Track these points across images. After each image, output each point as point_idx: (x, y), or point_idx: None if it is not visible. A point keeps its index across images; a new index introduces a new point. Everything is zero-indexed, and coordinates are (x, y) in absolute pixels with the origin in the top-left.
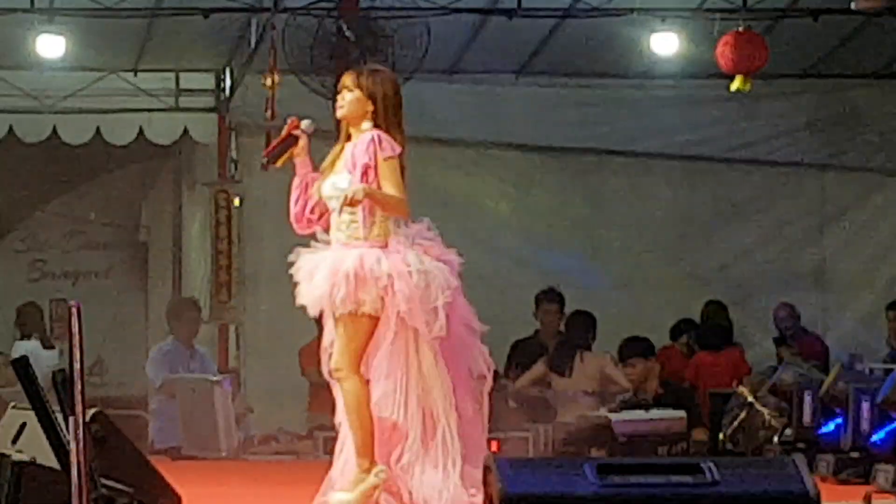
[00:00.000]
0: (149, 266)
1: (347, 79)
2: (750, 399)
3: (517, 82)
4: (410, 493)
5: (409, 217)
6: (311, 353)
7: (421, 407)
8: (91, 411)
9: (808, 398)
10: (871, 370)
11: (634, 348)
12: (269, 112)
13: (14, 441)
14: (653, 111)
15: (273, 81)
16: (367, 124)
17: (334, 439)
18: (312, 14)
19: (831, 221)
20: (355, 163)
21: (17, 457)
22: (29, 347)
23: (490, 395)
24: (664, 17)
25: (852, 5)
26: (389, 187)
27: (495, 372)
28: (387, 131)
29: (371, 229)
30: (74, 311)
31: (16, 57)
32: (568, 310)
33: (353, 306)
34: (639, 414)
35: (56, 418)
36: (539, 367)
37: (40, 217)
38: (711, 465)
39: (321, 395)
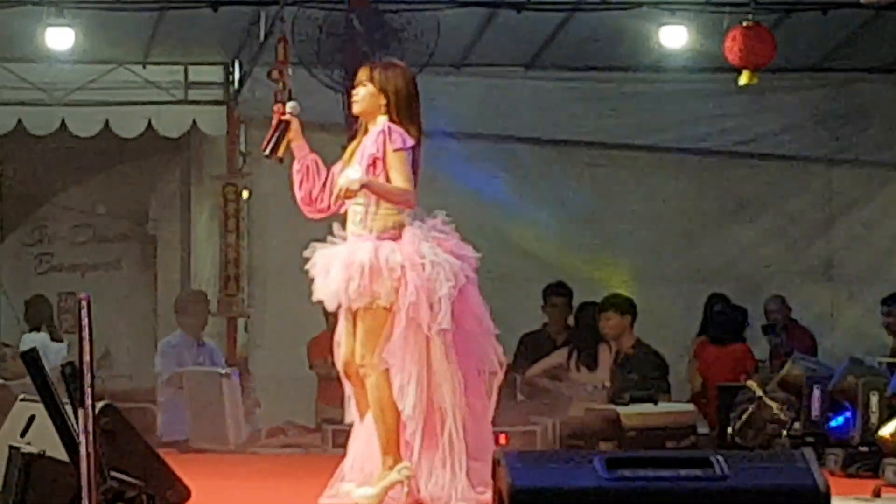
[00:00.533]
0: (157, 259)
1: (362, 73)
2: (758, 393)
3: (526, 76)
4: (419, 490)
5: (415, 207)
6: (319, 347)
7: (431, 402)
8: (100, 404)
9: (816, 392)
10: (880, 364)
11: (613, 303)
12: (278, 105)
13: (23, 433)
14: (661, 105)
15: (282, 73)
16: (382, 118)
17: (343, 432)
18: (322, 7)
19: (839, 216)
20: (364, 154)
21: (26, 449)
22: (37, 340)
23: (500, 389)
24: (673, 11)
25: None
26: (398, 179)
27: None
28: (400, 124)
29: (382, 221)
30: (84, 303)
31: (24, 49)
32: (577, 302)
33: (369, 299)
34: (647, 407)
35: (65, 411)
36: (554, 358)
37: (49, 210)
38: (720, 458)
39: (330, 388)
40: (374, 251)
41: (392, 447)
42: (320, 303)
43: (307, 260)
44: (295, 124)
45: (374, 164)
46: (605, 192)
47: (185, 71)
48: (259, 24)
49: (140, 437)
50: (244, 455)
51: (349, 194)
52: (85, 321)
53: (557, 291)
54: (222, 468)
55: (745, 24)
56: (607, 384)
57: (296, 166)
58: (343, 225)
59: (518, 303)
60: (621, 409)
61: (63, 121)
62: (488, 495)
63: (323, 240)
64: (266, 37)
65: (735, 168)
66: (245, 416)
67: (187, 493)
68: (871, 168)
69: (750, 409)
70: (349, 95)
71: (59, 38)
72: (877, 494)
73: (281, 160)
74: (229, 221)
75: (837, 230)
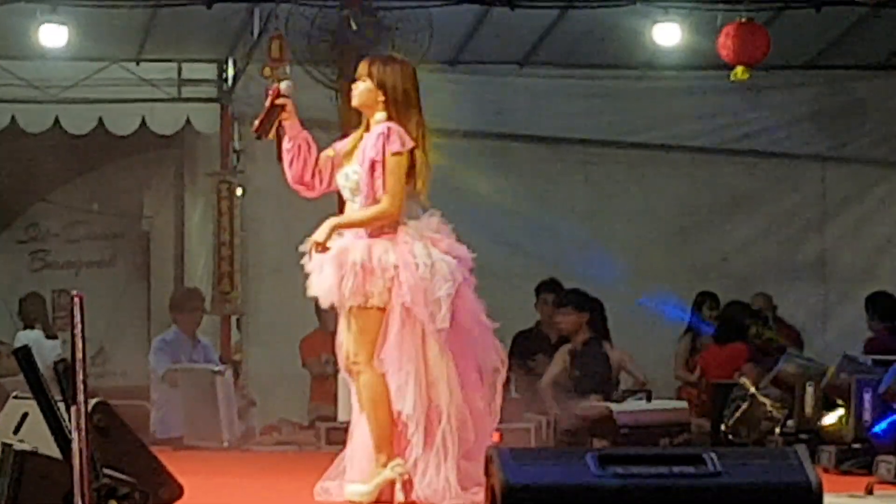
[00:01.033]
0: (151, 256)
1: (362, 67)
2: (752, 390)
3: (519, 73)
4: (413, 488)
5: (398, 219)
6: (312, 345)
7: (427, 401)
8: (93, 401)
9: (810, 389)
10: (873, 361)
11: (571, 298)
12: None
13: (16, 431)
14: (655, 102)
15: (273, 70)
16: (380, 115)
17: (336, 430)
18: (315, 4)
19: (833, 213)
20: (364, 156)
21: (19, 446)
22: (32, 337)
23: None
24: (667, 8)
25: None
26: (391, 184)
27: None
28: (398, 121)
29: None
30: (77, 301)
31: (18, 47)
32: None
33: (362, 299)
34: (641, 404)
35: (58, 408)
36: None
37: (42, 207)
38: (714, 455)
39: (323, 386)
40: (368, 250)
41: (385, 445)
42: (314, 299)
43: (301, 257)
44: (289, 105)
45: (373, 167)
46: (599, 189)
47: (179, 68)
48: (253, 22)
49: (133, 435)
50: (238, 452)
51: (320, 248)
52: (78, 318)
53: (549, 288)
54: (216, 466)
55: (738, 21)
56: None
57: (286, 144)
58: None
59: (512, 300)
60: (615, 407)
61: (57, 118)
62: (482, 496)
63: None
64: (260, 34)
65: (729, 165)
66: (239, 414)
67: (180, 491)
68: (864, 165)
69: (743, 407)
70: (342, 93)
71: (53, 35)
72: (870, 491)
73: (264, 138)
74: (223, 219)
75: (831, 228)
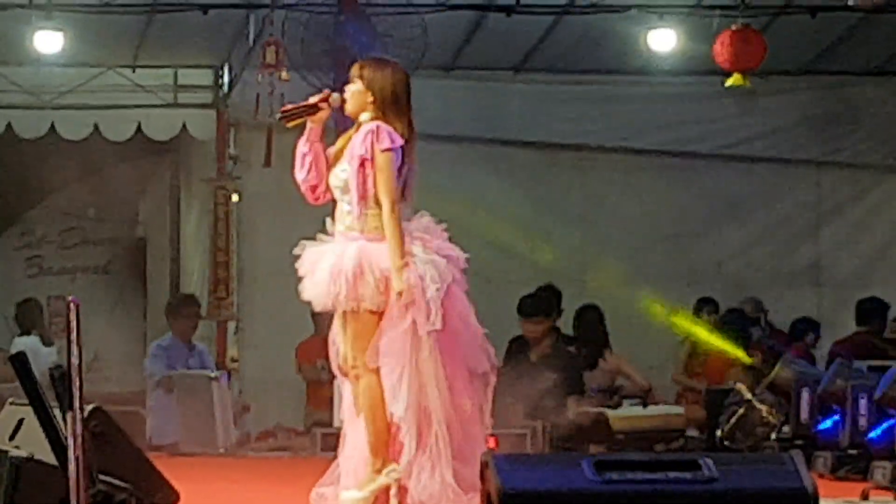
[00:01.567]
0: (147, 262)
1: (353, 70)
2: (748, 396)
3: (515, 79)
4: (409, 494)
5: (400, 216)
6: (307, 351)
7: (417, 403)
8: (89, 407)
9: (805, 395)
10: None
11: (540, 306)
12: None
13: (12, 437)
14: (650, 108)
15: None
16: (365, 115)
17: (332, 436)
18: (311, 11)
19: (828, 218)
20: (353, 154)
21: (15, 453)
22: (28, 344)
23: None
24: (662, 14)
25: (849, 2)
26: (381, 181)
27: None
28: (386, 122)
29: (369, 221)
30: (73, 307)
31: (14, 53)
32: (570, 304)
33: (354, 303)
34: (636, 410)
35: (54, 414)
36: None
37: (38, 213)
38: (709, 461)
39: (318, 392)
40: (360, 254)
41: (381, 449)
42: (308, 303)
43: (297, 261)
44: (325, 114)
45: (363, 165)
46: (594, 194)
47: (175, 74)
48: (248, 28)
49: (129, 441)
50: (234, 458)
51: (408, 300)
52: (74, 325)
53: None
54: (212, 471)
55: (734, 27)
56: (604, 386)
57: (303, 147)
58: (333, 219)
59: (507, 305)
60: (611, 412)
61: (53, 124)
62: (477, 499)
63: (313, 240)
64: (255, 40)
65: (724, 171)
66: (234, 420)
67: (176, 497)
68: (859, 171)
69: (739, 412)
70: (339, 92)
71: (49, 41)
72: (865, 497)
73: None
74: (219, 225)
75: (826, 233)
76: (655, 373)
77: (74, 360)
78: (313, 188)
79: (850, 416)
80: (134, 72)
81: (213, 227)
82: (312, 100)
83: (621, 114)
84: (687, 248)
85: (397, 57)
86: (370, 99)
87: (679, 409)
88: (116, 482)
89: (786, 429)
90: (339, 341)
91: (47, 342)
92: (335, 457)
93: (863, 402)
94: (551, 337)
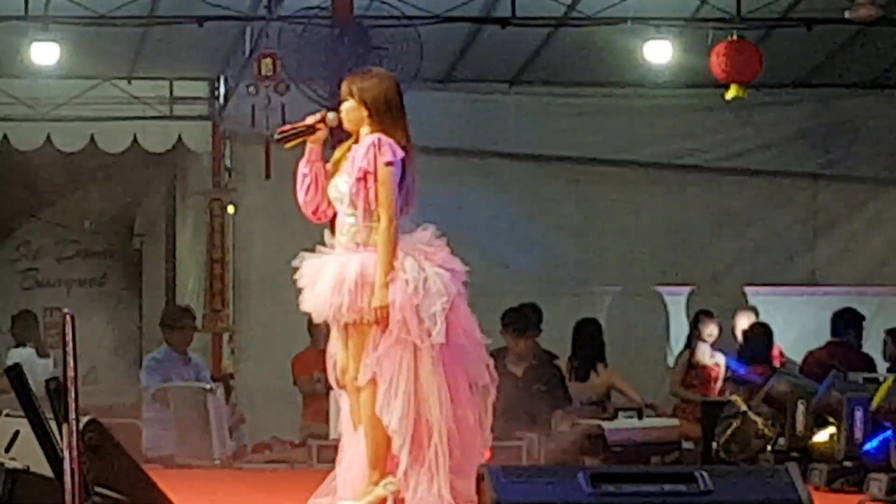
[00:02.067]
0: (142, 274)
1: (344, 87)
2: (743, 408)
3: (511, 91)
4: None
5: (396, 233)
6: (303, 363)
7: (419, 416)
8: (84, 419)
9: (801, 407)
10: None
11: (529, 323)
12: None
13: (7, 449)
14: (646, 120)
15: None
16: (365, 129)
17: (328, 448)
18: (306, 23)
19: (824, 231)
20: (354, 166)
21: (10, 465)
22: (24, 355)
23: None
24: (658, 26)
25: (846, 15)
26: (383, 195)
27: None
28: (385, 133)
29: (371, 234)
30: (68, 319)
31: (10, 65)
32: (566, 317)
33: (356, 315)
34: (632, 422)
35: (50, 426)
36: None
37: (34, 225)
38: (705, 473)
39: (315, 404)
40: (361, 267)
41: (379, 462)
42: (307, 314)
43: (292, 275)
44: (323, 134)
45: (364, 177)
46: (590, 207)
47: (171, 86)
48: (244, 40)
49: (125, 453)
50: (229, 470)
51: (381, 322)
52: (69, 337)
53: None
54: (207, 484)
55: (730, 39)
56: (594, 399)
57: (303, 168)
58: (332, 232)
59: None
60: (606, 425)
61: (48, 136)
62: None
63: (309, 252)
64: (251, 52)
65: (720, 183)
66: (230, 432)
67: None
68: (855, 183)
69: (735, 424)
70: (334, 111)
71: (45, 53)
72: None
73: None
74: (214, 237)
75: (822, 245)
76: (652, 385)
77: (70, 372)
78: (315, 208)
79: (845, 428)
80: (130, 84)
81: (208, 239)
82: (309, 120)
83: (617, 126)
84: (683, 261)
85: (393, 70)
86: (365, 113)
87: (674, 422)
88: (112, 494)
89: (781, 441)
90: (338, 354)
91: (43, 354)
92: (331, 468)
93: (858, 415)
94: (534, 350)
